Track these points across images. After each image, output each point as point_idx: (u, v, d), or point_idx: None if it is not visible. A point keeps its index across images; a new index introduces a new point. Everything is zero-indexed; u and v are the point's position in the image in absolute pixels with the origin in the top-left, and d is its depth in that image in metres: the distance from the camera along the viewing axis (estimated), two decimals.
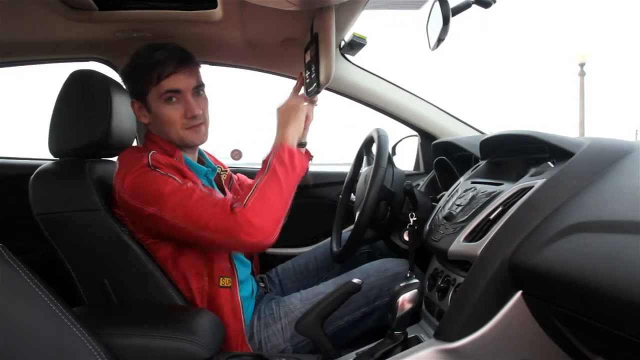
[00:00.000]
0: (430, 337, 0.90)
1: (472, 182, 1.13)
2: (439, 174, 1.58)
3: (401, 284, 0.90)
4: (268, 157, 1.12)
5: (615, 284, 0.58)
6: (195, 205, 1.03)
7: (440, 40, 1.16)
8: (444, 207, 1.15)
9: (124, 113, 1.22)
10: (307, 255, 1.54)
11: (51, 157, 1.23)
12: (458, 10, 1.14)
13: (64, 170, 1.18)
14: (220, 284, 1.14)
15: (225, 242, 1.05)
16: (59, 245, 1.14)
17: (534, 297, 0.77)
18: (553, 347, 0.80)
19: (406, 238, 1.31)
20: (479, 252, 0.86)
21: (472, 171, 1.22)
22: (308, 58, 1.30)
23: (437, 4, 1.14)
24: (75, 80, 1.19)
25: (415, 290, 0.89)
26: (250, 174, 1.70)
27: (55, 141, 1.19)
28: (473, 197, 1.04)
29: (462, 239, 0.94)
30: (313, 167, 1.99)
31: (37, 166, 1.19)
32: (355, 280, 1.04)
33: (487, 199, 0.97)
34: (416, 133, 1.89)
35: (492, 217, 0.90)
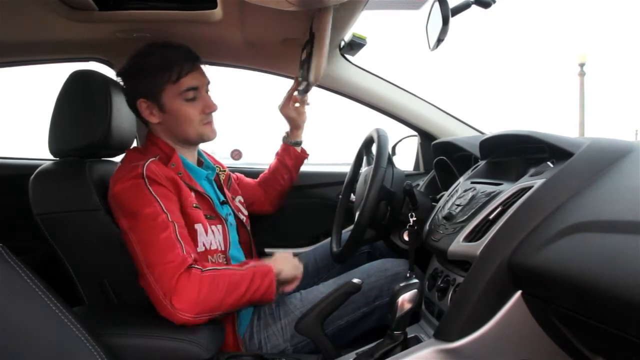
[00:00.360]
0: (430, 337, 0.90)
1: (472, 182, 1.13)
2: (438, 174, 1.58)
3: (401, 284, 0.90)
4: (256, 262, 1.13)
5: (615, 284, 0.58)
6: (161, 241, 1.01)
7: (439, 40, 1.16)
8: (443, 207, 1.15)
9: (124, 113, 1.22)
10: (307, 255, 1.54)
11: (51, 157, 1.23)
12: (457, 10, 1.14)
13: (64, 170, 1.18)
14: None
15: (154, 295, 0.99)
16: (59, 245, 1.14)
17: (534, 297, 0.77)
18: (553, 347, 0.80)
19: (406, 238, 1.31)
20: (478, 252, 0.86)
21: (471, 171, 1.22)
22: (304, 56, 1.30)
23: (437, 5, 1.15)
24: (75, 81, 1.19)
25: (415, 290, 0.89)
26: (250, 174, 1.70)
27: (55, 141, 1.19)
28: (473, 197, 1.04)
29: (461, 239, 0.94)
30: (313, 167, 1.99)
31: (37, 166, 1.19)
32: (355, 281, 1.04)
33: (487, 199, 0.97)
34: (416, 133, 1.89)
35: (491, 217, 0.90)
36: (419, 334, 0.99)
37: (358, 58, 1.73)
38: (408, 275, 1.18)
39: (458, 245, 0.94)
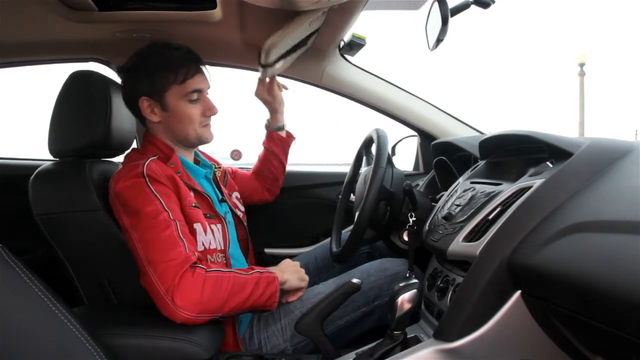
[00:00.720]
0: (429, 337, 0.90)
1: (472, 182, 1.13)
2: (438, 174, 1.58)
3: (400, 284, 0.90)
4: (262, 269, 1.12)
5: (615, 284, 0.58)
6: (163, 239, 1.01)
7: (439, 40, 1.16)
8: (443, 207, 1.15)
9: (123, 113, 1.22)
10: (306, 255, 1.54)
11: (51, 157, 1.23)
12: (457, 10, 1.14)
13: (63, 170, 1.18)
14: None
15: (156, 292, 0.98)
16: (59, 246, 1.14)
17: (533, 297, 0.77)
18: (552, 347, 0.80)
19: (406, 238, 1.31)
20: (478, 252, 0.86)
21: (471, 171, 1.22)
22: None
23: (436, 5, 1.15)
24: (75, 81, 1.19)
25: (415, 290, 0.89)
26: None
27: (55, 141, 1.19)
28: (472, 197, 1.04)
29: (461, 239, 0.94)
30: (313, 168, 1.99)
31: (37, 166, 1.19)
32: (355, 280, 1.04)
33: (486, 199, 0.98)
34: (416, 133, 1.90)
35: (491, 217, 0.90)
36: (419, 334, 0.99)
37: (358, 58, 1.73)
38: (408, 275, 1.18)
39: (457, 245, 0.94)
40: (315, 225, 1.84)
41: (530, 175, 0.92)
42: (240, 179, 1.57)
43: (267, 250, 1.79)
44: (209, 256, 1.13)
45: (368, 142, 1.46)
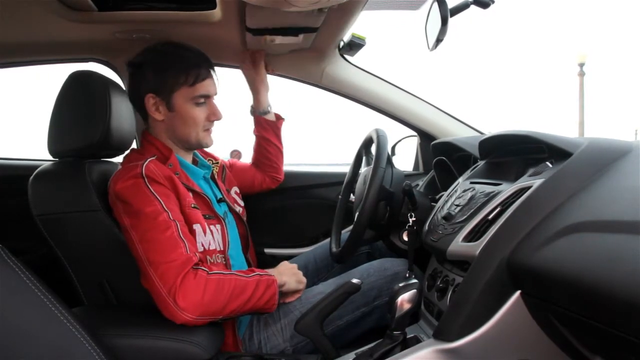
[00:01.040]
0: (429, 337, 0.90)
1: (471, 182, 1.13)
2: (438, 174, 1.58)
3: (400, 284, 0.89)
4: (261, 271, 1.12)
5: (614, 284, 0.58)
6: (163, 240, 1.01)
7: (438, 40, 1.16)
8: (442, 207, 1.15)
9: (123, 114, 1.22)
10: (306, 255, 1.54)
11: (50, 157, 1.23)
12: (456, 10, 1.15)
13: (63, 171, 1.18)
14: None
15: (157, 293, 0.98)
16: (59, 246, 1.14)
17: (533, 297, 0.77)
18: (552, 347, 0.80)
19: (405, 238, 1.31)
20: (477, 252, 0.86)
21: (471, 171, 1.22)
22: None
23: (436, 5, 1.15)
24: (75, 81, 1.19)
25: (415, 291, 0.89)
26: None
27: (55, 142, 1.19)
28: (472, 197, 1.04)
29: (460, 239, 0.94)
30: (313, 168, 1.99)
31: (36, 167, 1.19)
32: (355, 281, 1.04)
33: (486, 199, 0.98)
34: (415, 133, 1.90)
35: (490, 217, 0.90)
36: (419, 334, 0.99)
37: (357, 58, 1.73)
38: (407, 275, 1.18)
39: (457, 245, 0.94)
40: (315, 226, 1.84)
41: (530, 175, 0.92)
42: (239, 170, 1.57)
43: (267, 251, 1.79)
44: (208, 257, 1.13)
45: (368, 142, 1.46)
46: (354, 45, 1.62)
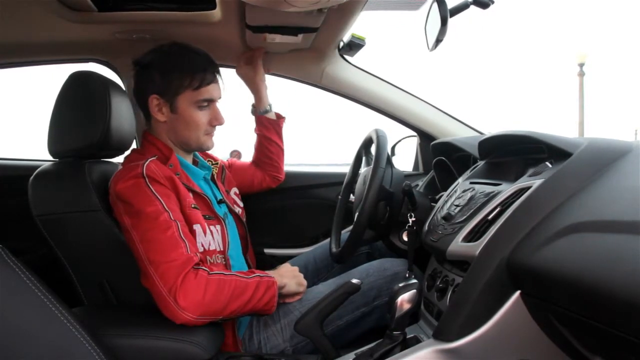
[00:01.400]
0: (429, 337, 0.90)
1: (471, 183, 1.13)
2: (437, 175, 1.58)
3: (400, 284, 0.90)
4: (262, 272, 1.12)
5: (614, 284, 0.58)
6: (164, 239, 1.01)
7: (438, 41, 1.16)
8: (442, 207, 1.15)
9: (123, 114, 1.22)
10: (306, 255, 1.54)
11: (50, 158, 1.24)
12: (456, 11, 1.15)
13: (63, 171, 1.18)
14: None
15: (157, 293, 0.98)
16: (59, 246, 1.14)
17: (532, 297, 0.77)
18: (551, 347, 0.80)
19: (405, 238, 1.31)
20: (477, 252, 0.86)
21: (470, 171, 1.22)
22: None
23: (435, 5, 1.15)
24: (75, 82, 1.19)
25: (414, 291, 0.89)
26: None
27: (55, 142, 1.19)
28: (471, 198, 1.04)
29: (460, 239, 0.94)
30: (313, 168, 1.99)
31: (36, 167, 1.19)
32: (355, 281, 1.04)
33: (486, 199, 0.98)
34: (415, 133, 1.90)
35: (490, 217, 0.90)
36: (418, 334, 0.99)
37: (357, 59, 1.73)
38: (407, 275, 1.18)
39: (457, 245, 0.94)
40: (315, 226, 1.84)
41: (530, 176, 0.92)
42: (239, 169, 1.57)
43: (266, 251, 1.79)
44: (208, 257, 1.13)
45: (367, 143, 1.46)
46: (354, 46, 1.62)
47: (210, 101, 1.20)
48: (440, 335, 0.86)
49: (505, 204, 0.89)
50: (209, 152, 1.43)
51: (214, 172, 1.35)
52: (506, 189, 0.93)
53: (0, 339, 0.69)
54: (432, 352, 0.85)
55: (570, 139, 0.93)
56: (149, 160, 1.11)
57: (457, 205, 1.07)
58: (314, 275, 1.45)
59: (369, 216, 1.18)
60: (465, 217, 0.99)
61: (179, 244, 1.01)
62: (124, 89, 1.33)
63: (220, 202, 1.29)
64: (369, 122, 1.86)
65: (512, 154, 1.11)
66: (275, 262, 1.62)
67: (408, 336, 0.93)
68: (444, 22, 1.13)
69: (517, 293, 0.79)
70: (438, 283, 1.02)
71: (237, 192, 1.46)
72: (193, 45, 1.22)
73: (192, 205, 1.13)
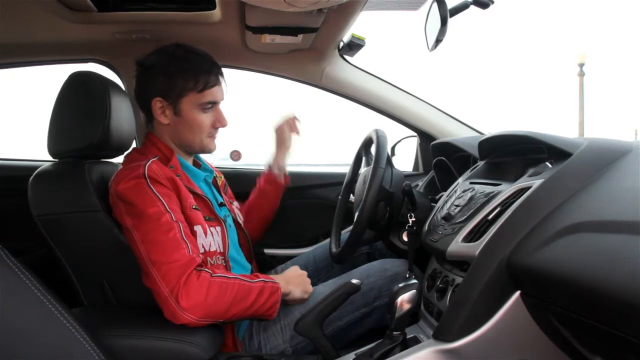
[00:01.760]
0: (429, 338, 0.90)
1: (471, 183, 1.13)
2: (437, 175, 1.58)
3: (400, 285, 0.90)
4: (266, 277, 1.11)
5: (614, 284, 0.58)
6: (166, 240, 1.01)
7: (438, 41, 1.17)
8: (442, 207, 1.15)
9: (122, 114, 1.22)
10: (306, 256, 1.54)
11: (50, 158, 1.23)
12: (456, 11, 1.15)
13: (63, 171, 1.18)
14: None
15: (159, 293, 0.98)
16: (58, 247, 1.14)
17: (532, 297, 0.77)
18: (551, 347, 0.80)
19: (405, 239, 1.31)
20: (477, 252, 0.86)
21: (470, 172, 1.22)
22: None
23: (435, 5, 1.15)
24: (74, 82, 1.19)
25: (414, 291, 0.89)
26: (250, 174, 1.70)
27: (54, 142, 1.19)
28: (471, 198, 1.04)
29: (460, 240, 0.94)
30: (313, 168, 2.00)
31: (36, 167, 1.19)
32: (354, 281, 1.04)
33: (486, 199, 0.98)
34: (415, 134, 1.90)
35: (490, 217, 0.90)
36: (418, 334, 0.99)
37: (357, 59, 1.73)
38: (407, 275, 1.18)
39: (457, 245, 0.94)
40: (315, 226, 1.84)
41: (530, 176, 0.92)
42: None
43: (266, 251, 1.79)
44: (209, 258, 1.13)
45: (367, 143, 1.46)
46: (354, 46, 1.62)
47: (214, 103, 1.20)
48: (440, 335, 0.86)
49: (505, 204, 0.89)
50: (218, 159, 1.42)
51: (217, 181, 1.35)
52: (506, 189, 0.93)
53: (0, 339, 0.69)
54: (432, 353, 0.85)
55: (570, 139, 0.93)
56: (151, 160, 1.11)
57: (457, 206, 1.07)
58: (314, 276, 1.45)
59: (369, 216, 1.18)
60: (465, 217, 0.99)
61: (181, 245, 1.01)
62: (123, 89, 1.33)
63: (220, 204, 1.29)
64: (369, 122, 1.86)
65: (512, 154, 1.11)
66: (275, 262, 1.62)
67: (408, 336, 0.93)
68: (443, 22, 1.13)
69: (517, 293, 0.79)
70: (438, 283, 1.02)
71: (239, 206, 1.45)
72: (196, 46, 1.21)
73: (193, 207, 1.13)
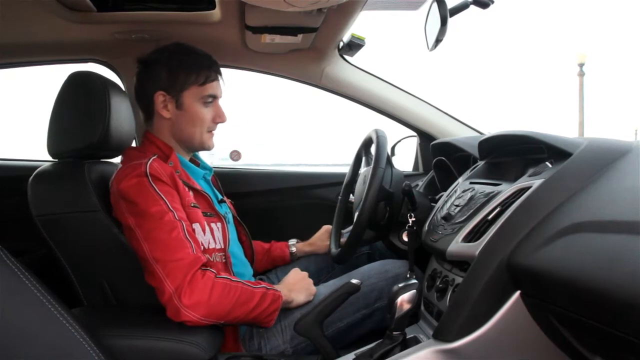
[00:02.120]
0: (429, 338, 0.90)
1: (471, 183, 1.13)
2: (437, 175, 1.58)
3: (400, 285, 0.90)
4: (269, 285, 1.11)
5: (613, 284, 0.58)
6: (169, 239, 1.01)
7: (438, 40, 1.16)
8: (442, 207, 1.15)
9: (122, 114, 1.22)
10: (306, 256, 1.54)
11: (50, 158, 1.23)
12: (456, 11, 1.15)
13: (62, 171, 1.18)
14: None
15: (163, 291, 0.98)
16: (58, 247, 1.14)
17: (532, 297, 0.77)
18: (551, 347, 0.80)
19: (405, 239, 1.31)
20: (477, 252, 0.86)
21: (470, 171, 1.22)
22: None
23: (435, 5, 1.15)
24: (74, 82, 1.19)
25: (414, 291, 0.89)
26: (250, 175, 1.70)
27: (54, 142, 1.19)
28: (471, 198, 1.04)
29: (460, 240, 0.94)
30: (312, 168, 1.99)
31: (35, 167, 1.19)
32: (354, 281, 1.04)
33: (486, 199, 0.97)
34: (415, 134, 1.90)
35: (490, 217, 0.90)
36: (418, 334, 0.99)
37: (357, 59, 1.73)
38: (408, 276, 1.18)
39: (457, 245, 0.94)
40: (315, 226, 1.84)
41: (530, 176, 0.92)
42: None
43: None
44: (207, 256, 1.13)
45: (367, 143, 1.46)
46: (354, 46, 1.62)
47: (214, 97, 1.22)
48: (440, 335, 0.86)
49: (505, 204, 0.89)
50: (212, 158, 1.42)
51: (215, 177, 1.36)
52: (506, 189, 0.93)
53: (0, 339, 0.69)
54: (431, 353, 0.85)
55: (570, 139, 0.93)
56: (152, 158, 1.11)
57: (457, 206, 1.07)
58: (314, 277, 1.44)
59: (369, 216, 1.18)
60: (465, 217, 0.99)
61: (185, 244, 1.02)
62: (123, 89, 1.33)
63: (220, 201, 1.30)
64: (369, 122, 1.86)
65: (512, 154, 1.11)
66: None
67: (408, 336, 0.93)
68: (443, 22, 1.13)
69: (517, 293, 0.79)
70: (438, 283, 1.02)
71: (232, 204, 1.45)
72: (195, 46, 1.24)
73: (192, 204, 1.13)
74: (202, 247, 1.11)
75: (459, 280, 0.95)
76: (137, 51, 1.25)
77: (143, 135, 1.25)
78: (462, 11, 1.17)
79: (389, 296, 0.91)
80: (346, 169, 1.58)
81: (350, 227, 1.27)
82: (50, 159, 1.24)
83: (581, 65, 14.49)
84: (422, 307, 1.08)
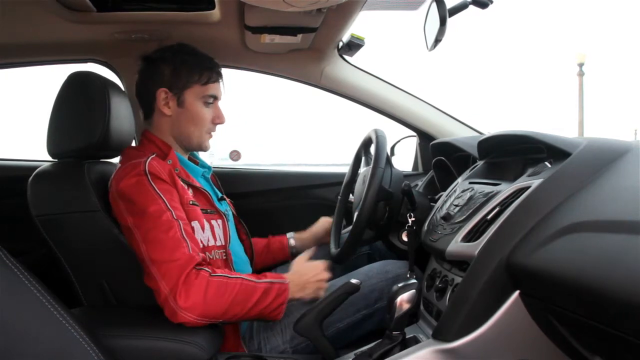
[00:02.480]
0: (428, 338, 0.90)
1: (470, 183, 1.13)
2: (437, 175, 1.58)
3: (399, 284, 0.90)
4: (274, 277, 1.10)
5: (613, 284, 0.58)
6: (166, 239, 1.01)
7: (437, 40, 1.17)
8: (441, 207, 1.15)
9: (122, 114, 1.22)
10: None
11: (50, 158, 1.23)
12: (455, 11, 1.15)
13: (62, 171, 1.18)
14: None
15: (160, 293, 0.99)
16: (58, 247, 1.14)
17: (532, 297, 0.77)
18: (551, 347, 0.80)
19: (405, 238, 1.31)
20: (476, 252, 0.86)
21: (470, 171, 1.22)
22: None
23: (434, 5, 1.15)
24: (73, 82, 1.19)
25: (413, 291, 0.89)
26: (250, 175, 1.70)
27: (54, 143, 1.19)
28: (471, 198, 1.04)
29: (459, 239, 0.94)
30: (312, 168, 2.00)
31: (35, 168, 1.19)
32: (354, 281, 1.04)
33: (485, 199, 0.98)
34: (414, 133, 1.90)
35: (489, 217, 0.90)
36: (418, 334, 0.99)
37: (356, 59, 1.73)
38: (408, 275, 1.18)
39: (456, 245, 0.94)
40: None
41: (529, 175, 0.92)
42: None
43: None
44: (207, 253, 1.13)
45: (367, 143, 1.46)
46: (353, 46, 1.62)
47: (215, 98, 1.24)
48: (440, 335, 0.86)
49: (504, 204, 0.89)
50: (212, 157, 1.43)
51: (218, 181, 1.36)
52: (505, 189, 0.93)
53: None
54: (431, 352, 0.85)
55: (570, 139, 0.93)
56: (150, 157, 1.11)
57: (456, 205, 1.07)
58: None
59: (369, 216, 1.18)
60: (464, 217, 0.99)
61: (181, 243, 1.02)
62: (123, 89, 1.33)
63: (220, 199, 1.30)
64: (369, 122, 1.86)
65: (511, 153, 1.11)
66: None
67: (407, 336, 0.93)
68: (442, 22, 1.13)
69: (517, 293, 0.79)
70: (437, 283, 1.02)
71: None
72: (196, 47, 1.25)
73: (191, 202, 1.13)
74: (201, 245, 1.11)
75: (458, 280, 0.95)
76: (137, 51, 1.25)
77: (142, 134, 1.25)
78: (461, 11, 1.17)
79: (388, 296, 0.91)
80: (346, 169, 1.58)
81: (350, 227, 1.27)
82: (50, 159, 1.24)
83: (581, 65, 14.49)
84: (422, 307, 1.08)
